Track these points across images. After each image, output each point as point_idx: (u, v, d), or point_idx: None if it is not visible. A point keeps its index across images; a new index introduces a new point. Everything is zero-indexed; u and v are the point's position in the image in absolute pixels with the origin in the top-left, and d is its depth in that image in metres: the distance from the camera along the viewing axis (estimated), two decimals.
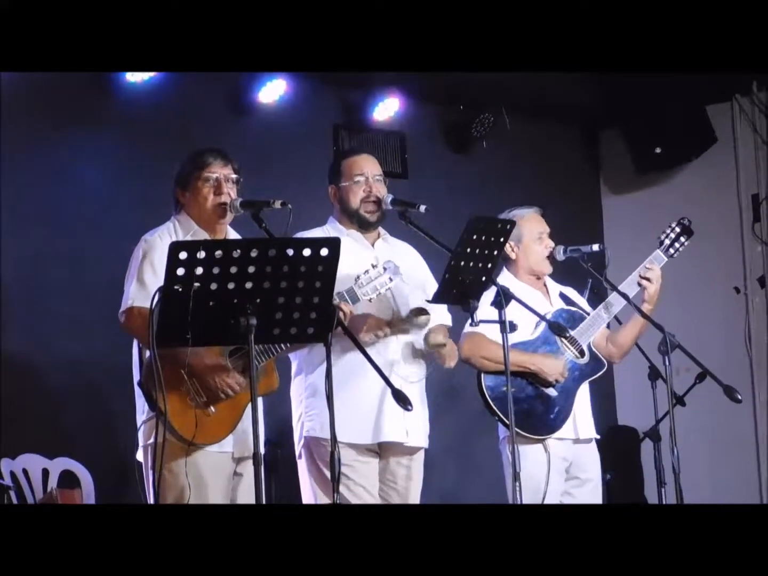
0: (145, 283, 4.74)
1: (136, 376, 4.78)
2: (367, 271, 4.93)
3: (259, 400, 4.82)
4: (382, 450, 5.18)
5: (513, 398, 5.33)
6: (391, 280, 4.96)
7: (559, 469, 5.55)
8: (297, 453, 5.23)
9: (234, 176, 4.94)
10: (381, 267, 4.95)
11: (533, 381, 5.54)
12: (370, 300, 4.95)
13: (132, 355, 4.84)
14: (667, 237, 5.72)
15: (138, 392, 4.77)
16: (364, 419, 5.09)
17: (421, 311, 5.16)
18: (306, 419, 5.16)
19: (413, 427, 5.16)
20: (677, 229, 5.74)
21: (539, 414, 5.54)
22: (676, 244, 5.72)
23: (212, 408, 4.69)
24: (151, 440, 4.62)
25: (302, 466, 5.21)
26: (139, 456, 4.83)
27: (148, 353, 4.63)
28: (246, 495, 4.80)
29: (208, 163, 4.92)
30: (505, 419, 5.34)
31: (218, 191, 4.89)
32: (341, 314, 4.67)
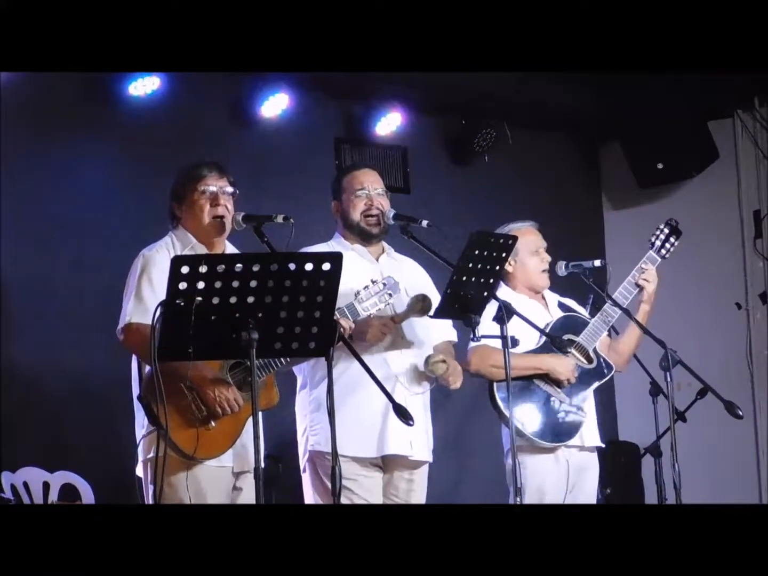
0: (143, 298, 4.73)
1: (135, 391, 4.78)
2: (367, 287, 4.93)
3: (260, 415, 4.83)
4: (385, 464, 5.17)
5: (528, 407, 5.47)
6: (390, 296, 4.97)
7: (572, 476, 5.57)
8: (301, 467, 5.23)
9: (230, 189, 4.93)
10: (381, 283, 4.96)
11: (546, 383, 5.55)
12: (370, 315, 4.95)
13: (132, 368, 4.84)
14: (657, 239, 5.78)
15: (138, 406, 4.77)
16: (368, 433, 5.09)
17: (423, 297, 5.14)
18: (310, 433, 5.16)
19: (417, 441, 5.16)
20: (666, 231, 5.80)
21: (554, 421, 5.55)
22: (667, 245, 5.79)
23: (212, 422, 4.69)
24: (151, 455, 4.62)
25: (306, 479, 5.20)
26: (139, 471, 4.83)
27: (147, 367, 4.64)
28: None
29: (204, 176, 4.90)
30: (521, 429, 5.41)
31: (215, 203, 4.88)
32: (341, 330, 4.69)
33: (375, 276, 5.08)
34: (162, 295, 4.33)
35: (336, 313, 4.66)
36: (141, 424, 4.79)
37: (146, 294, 4.74)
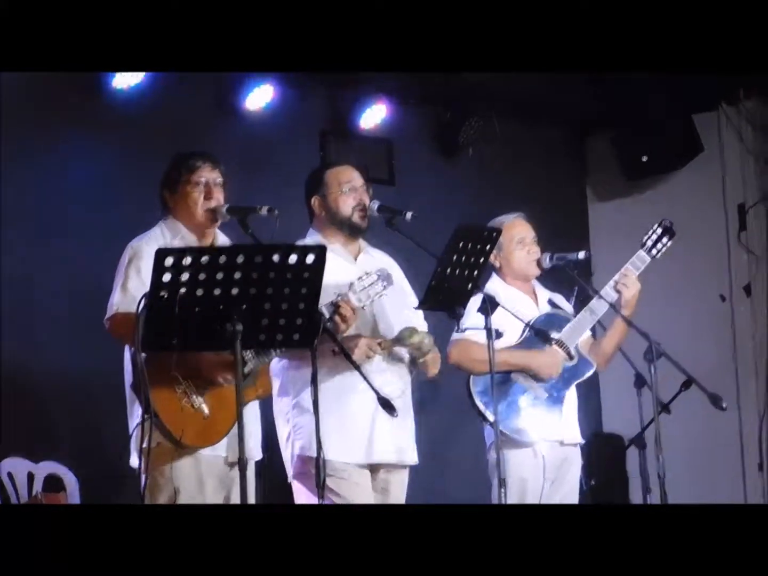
0: (128, 289, 4.73)
1: (128, 380, 4.76)
2: (361, 278, 4.91)
3: (256, 404, 4.86)
4: (371, 465, 5.14)
5: (505, 403, 5.51)
6: (384, 287, 4.93)
7: (550, 470, 5.59)
8: (289, 473, 5.14)
9: (221, 180, 4.93)
10: (374, 274, 4.92)
11: (525, 378, 5.56)
12: (363, 307, 4.91)
13: (125, 358, 4.80)
14: (649, 238, 5.79)
15: (131, 397, 4.75)
16: (356, 439, 5.05)
17: (413, 331, 5.12)
18: (296, 438, 5.07)
19: (402, 447, 5.15)
20: (659, 231, 5.80)
21: (531, 417, 5.56)
22: (659, 245, 5.79)
23: (206, 410, 4.67)
24: (145, 444, 4.62)
25: (299, 485, 5.10)
26: (134, 461, 4.80)
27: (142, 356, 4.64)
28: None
29: (198, 167, 4.90)
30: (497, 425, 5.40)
31: (208, 196, 4.88)
32: (339, 317, 4.70)
33: (352, 277, 5.03)
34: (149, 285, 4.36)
35: (330, 305, 4.70)
36: (134, 414, 4.76)
37: (132, 285, 4.74)
